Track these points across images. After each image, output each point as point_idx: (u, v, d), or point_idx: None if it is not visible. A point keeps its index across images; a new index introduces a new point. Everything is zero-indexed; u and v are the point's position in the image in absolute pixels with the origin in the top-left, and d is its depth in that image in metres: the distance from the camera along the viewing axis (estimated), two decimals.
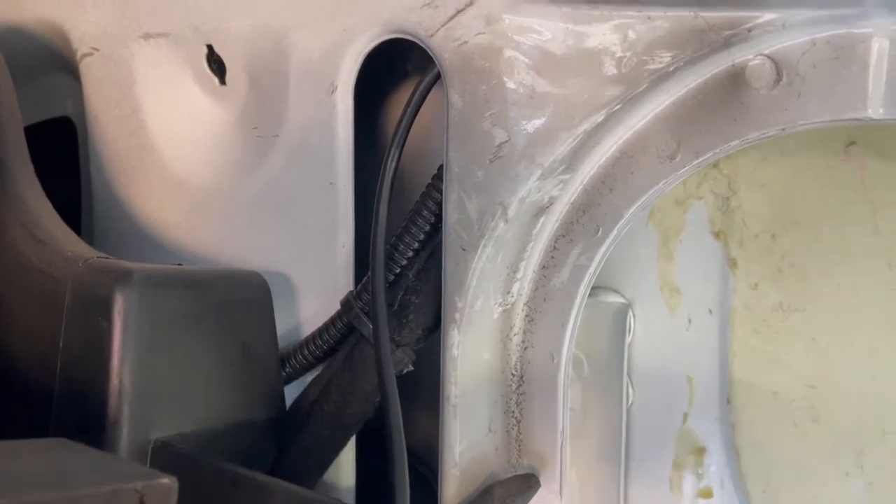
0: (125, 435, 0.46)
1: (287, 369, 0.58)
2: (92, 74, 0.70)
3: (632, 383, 0.64)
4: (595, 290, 0.62)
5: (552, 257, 0.53)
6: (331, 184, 0.57)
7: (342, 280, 0.58)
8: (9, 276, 0.53)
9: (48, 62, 0.78)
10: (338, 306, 0.57)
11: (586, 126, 0.46)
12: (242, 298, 0.55)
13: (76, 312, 0.49)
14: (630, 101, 0.46)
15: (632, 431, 0.64)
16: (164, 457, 0.46)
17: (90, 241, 0.68)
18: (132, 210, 0.69)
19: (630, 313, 0.63)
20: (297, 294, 0.59)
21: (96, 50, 0.69)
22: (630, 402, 0.64)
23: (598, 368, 0.63)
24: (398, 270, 0.54)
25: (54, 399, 0.49)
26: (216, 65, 0.63)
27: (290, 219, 0.59)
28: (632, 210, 0.49)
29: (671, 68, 0.44)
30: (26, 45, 0.76)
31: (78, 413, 0.47)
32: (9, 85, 0.63)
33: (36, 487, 0.32)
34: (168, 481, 0.35)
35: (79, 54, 0.70)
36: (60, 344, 0.49)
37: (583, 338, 0.60)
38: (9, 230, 0.54)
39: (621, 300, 0.64)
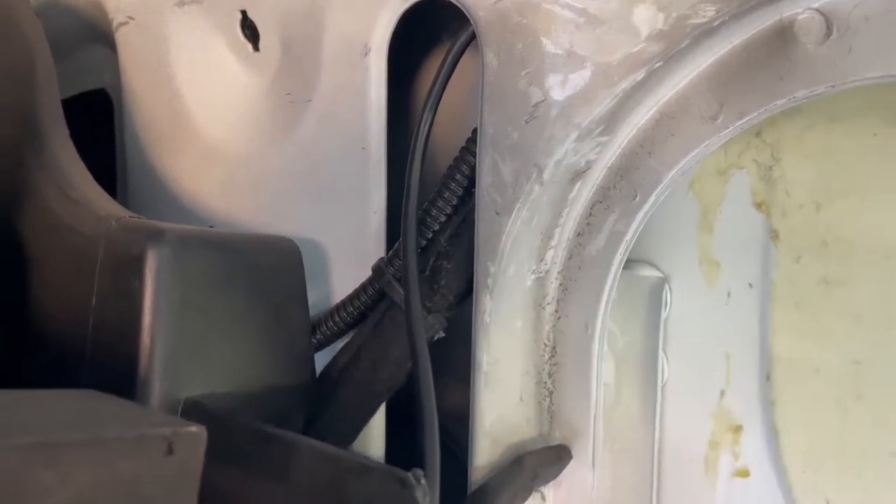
0: (156, 392, 0.46)
1: (317, 336, 0.57)
2: (127, 43, 0.70)
3: (667, 359, 0.62)
4: (631, 263, 0.61)
5: (588, 224, 0.52)
6: (363, 149, 0.56)
7: (374, 246, 0.57)
8: (42, 235, 0.53)
9: (85, 34, 0.79)
10: (369, 273, 0.57)
11: (625, 85, 0.45)
12: (274, 263, 0.55)
13: (108, 271, 0.49)
14: (672, 58, 0.44)
15: (666, 409, 0.63)
16: (194, 414, 0.45)
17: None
18: (166, 177, 0.69)
19: (666, 287, 0.62)
20: (329, 260, 0.59)
21: (132, 19, 0.69)
22: (665, 378, 0.63)
23: (632, 343, 0.61)
24: (430, 236, 0.54)
25: (86, 356, 0.49)
26: (249, 31, 0.63)
27: (321, 184, 0.59)
28: (671, 174, 0.48)
29: (715, 23, 0.43)
30: (65, 17, 0.76)
31: (109, 370, 0.47)
32: (45, 51, 0.63)
33: (64, 429, 0.31)
34: (197, 430, 0.34)
35: (115, 24, 0.70)
36: (93, 302, 0.49)
37: (617, 312, 0.59)
38: (42, 190, 0.54)
39: (658, 274, 0.62)
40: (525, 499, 0.53)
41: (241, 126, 0.64)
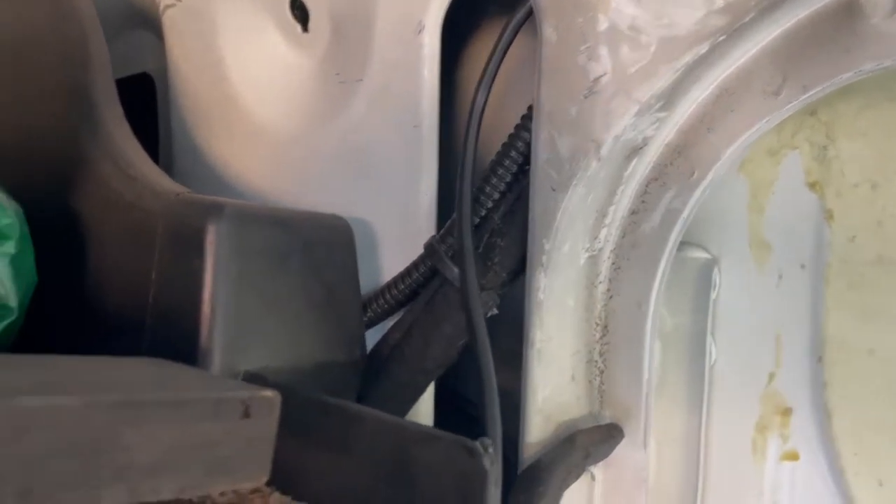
0: (216, 364, 0.46)
1: (368, 313, 0.58)
2: (174, 27, 0.71)
3: (715, 342, 0.62)
4: (680, 245, 0.61)
5: (643, 202, 0.52)
6: (415, 127, 0.56)
7: (425, 225, 0.57)
8: (100, 211, 0.54)
9: (129, 18, 0.80)
10: (419, 251, 0.57)
11: (688, 59, 0.45)
12: (326, 240, 0.55)
13: (168, 245, 0.49)
14: (736, 32, 0.44)
15: (713, 392, 0.62)
16: None
17: None
18: (214, 160, 0.70)
19: (716, 269, 0.61)
20: (379, 239, 0.59)
21: (179, 1, 0.70)
22: (712, 360, 0.62)
23: (680, 325, 0.61)
24: (483, 213, 0.54)
25: (146, 330, 0.50)
26: (299, 11, 0.63)
27: (372, 163, 0.59)
28: (731, 150, 0.47)
29: None
30: (110, 2, 0.77)
31: (170, 342, 0.48)
32: (99, 33, 0.64)
33: (146, 390, 0.32)
34: (272, 395, 0.35)
35: (161, 6, 0.71)
36: (152, 276, 0.50)
37: (666, 294, 0.59)
38: (100, 167, 0.55)
39: (707, 256, 0.62)
40: (578, 476, 0.53)
41: (289, 107, 0.64)
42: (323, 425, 0.43)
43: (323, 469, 0.42)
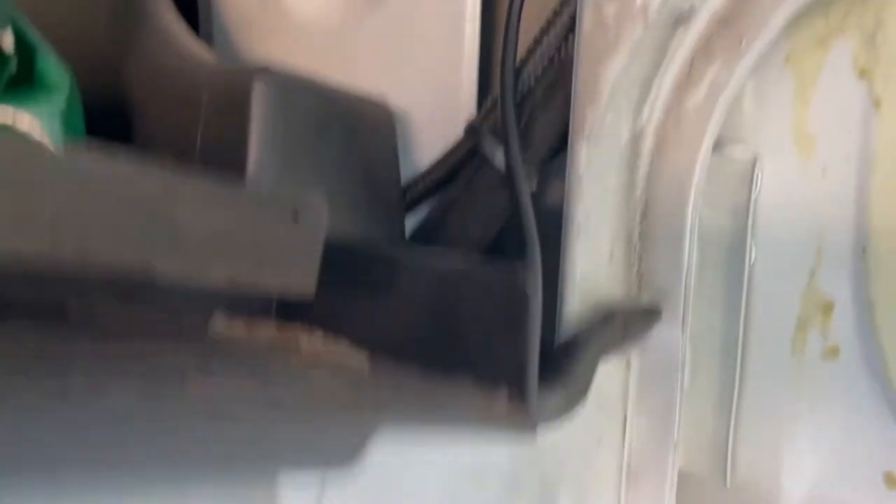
0: None
1: (408, 196, 0.58)
2: None
3: (755, 241, 0.61)
4: (720, 143, 0.60)
5: (688, 76, 0.51)
6: (459, 10, 0.56)
7: (465, 107, 0.57)
8: (146, 83, 0.55)
9: None
10: (458, 136, 0.57)
11: None
12: (368, 118, 0.55)
13: (213, 110, 0.50)
14: None
15: (752, 291, 0.62)
16: None
17: None
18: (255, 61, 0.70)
19: (758, 167, 0.60)
20: (420, 123, 0.59)
21: None
22: (752, 259, 0.62)
23: (719, 226, 0.61)
24: (525, 90, 0.54)
25: None
26: None
27: (414, 49, 0.59)
28: (780, 13, 0.47)
29: None
30: None
31: None
32: None
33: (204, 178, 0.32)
34: (319, 200, 0.35)
35: None
36: (198, 142, 0.50)
37: (705, 193, 0.58)
38: (145, 42, 0.56)
39: (748, 154, 0.61)
40: (615, 353, 0.53)
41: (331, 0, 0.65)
42: (366, 269, 0.44)
43: (365, 310, 0.43)
